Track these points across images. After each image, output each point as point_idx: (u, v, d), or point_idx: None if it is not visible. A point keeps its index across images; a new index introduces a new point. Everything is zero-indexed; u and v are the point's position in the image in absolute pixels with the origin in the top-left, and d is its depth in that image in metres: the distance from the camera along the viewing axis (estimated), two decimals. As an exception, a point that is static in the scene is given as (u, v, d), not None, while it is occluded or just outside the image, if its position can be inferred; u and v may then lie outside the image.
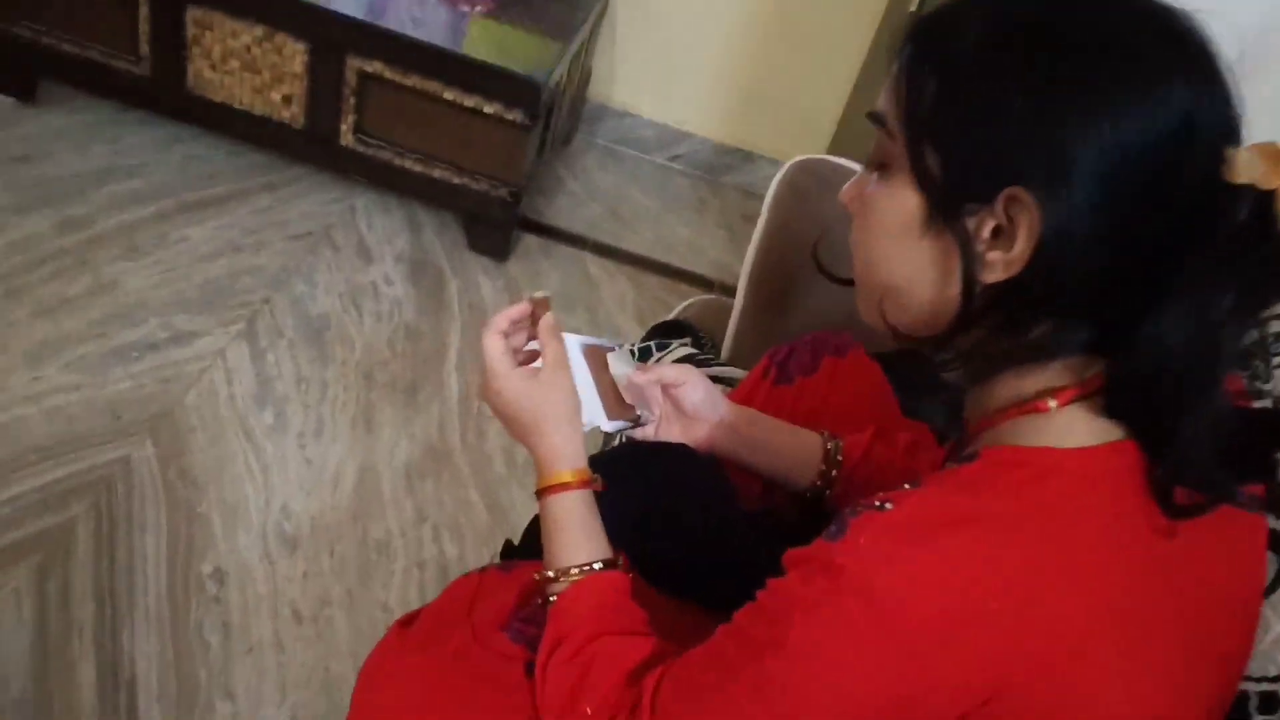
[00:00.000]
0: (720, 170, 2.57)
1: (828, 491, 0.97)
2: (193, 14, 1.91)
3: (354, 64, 1.91)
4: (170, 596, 1.40)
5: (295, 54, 1.92)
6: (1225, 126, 0.58)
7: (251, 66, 1.96)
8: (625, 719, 0.69)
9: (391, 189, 2.14)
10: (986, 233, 0.60)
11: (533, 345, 0.90)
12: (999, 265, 0.60)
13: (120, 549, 1.44)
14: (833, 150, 2.40)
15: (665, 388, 0.99)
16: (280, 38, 1.91)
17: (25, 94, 2.13)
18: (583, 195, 2.39)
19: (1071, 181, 0.57)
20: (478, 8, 2.02)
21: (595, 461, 0.94)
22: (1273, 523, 0.77)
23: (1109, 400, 0.61)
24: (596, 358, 1.01)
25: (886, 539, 0.58)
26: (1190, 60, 0.58)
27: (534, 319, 0.89)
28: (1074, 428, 0.61)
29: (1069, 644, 0.57)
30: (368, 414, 1.73)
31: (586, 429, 0.93)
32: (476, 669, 0.78)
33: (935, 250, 0.62)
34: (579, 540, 0.80)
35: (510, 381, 0.84)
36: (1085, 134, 0.56)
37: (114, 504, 1.48)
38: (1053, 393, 0.62)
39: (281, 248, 1.99)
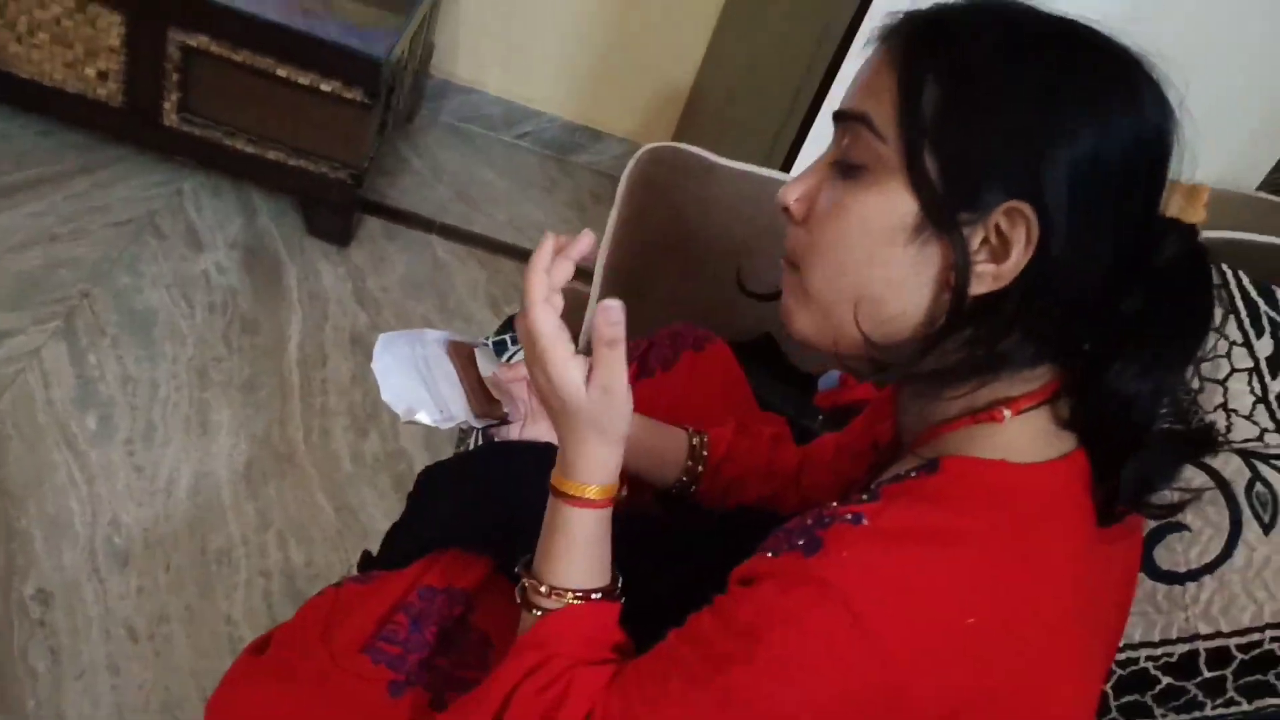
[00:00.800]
0: (569, 149, 2.54)
1: (693, 487, 0.97)
2: (-10, -19, 1.75)
3: (177, 37, 1.78)
4: (-12, 622, 1.30)
5: (111, 25, 1.78)
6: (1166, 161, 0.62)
7: (63, 39, 1.80)
8: None
9: (222, 171, 2.02)
10: (977, 242, 0.60)
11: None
12: (988, 278, 0.60)
13: (-74, 574, 1.32)
14: (680, 129, 2.41)
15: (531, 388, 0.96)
16: (94, 8, 1.77)
17: None
18: (428, 176, 2.32)
19: (1072, 199, 0.58)
20: (311, -20, 1.92)
21: (459, 460, 0.91)
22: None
23: (1069, 417, 0.63)
24: (462, 353, 0.97)
25: (867, 552, 0.57)
26: (1159, 92, 0.61)
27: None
28: (1026, 439, 0.63)
29: (1035, 654, 0.59)
30: (203, 414, 1.63)
31: (453, 424, 0.90)
32: (335, 695, 0.74)
33: (920, 258, 0.61)
34: (587, 563, 0.73)
35: (570, 373, 0.69)
36: (1086, 155, 0.58)
37: (-83, 525, 1.36)
38: (1007, 403, 0.63)
39: (102, 236, 1.85)
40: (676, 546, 0.90)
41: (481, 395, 0.95)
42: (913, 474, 0.63)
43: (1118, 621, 0.79)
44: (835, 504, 0.61)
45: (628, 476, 1.00)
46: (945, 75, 0.60)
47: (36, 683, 1.26)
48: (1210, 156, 1.34)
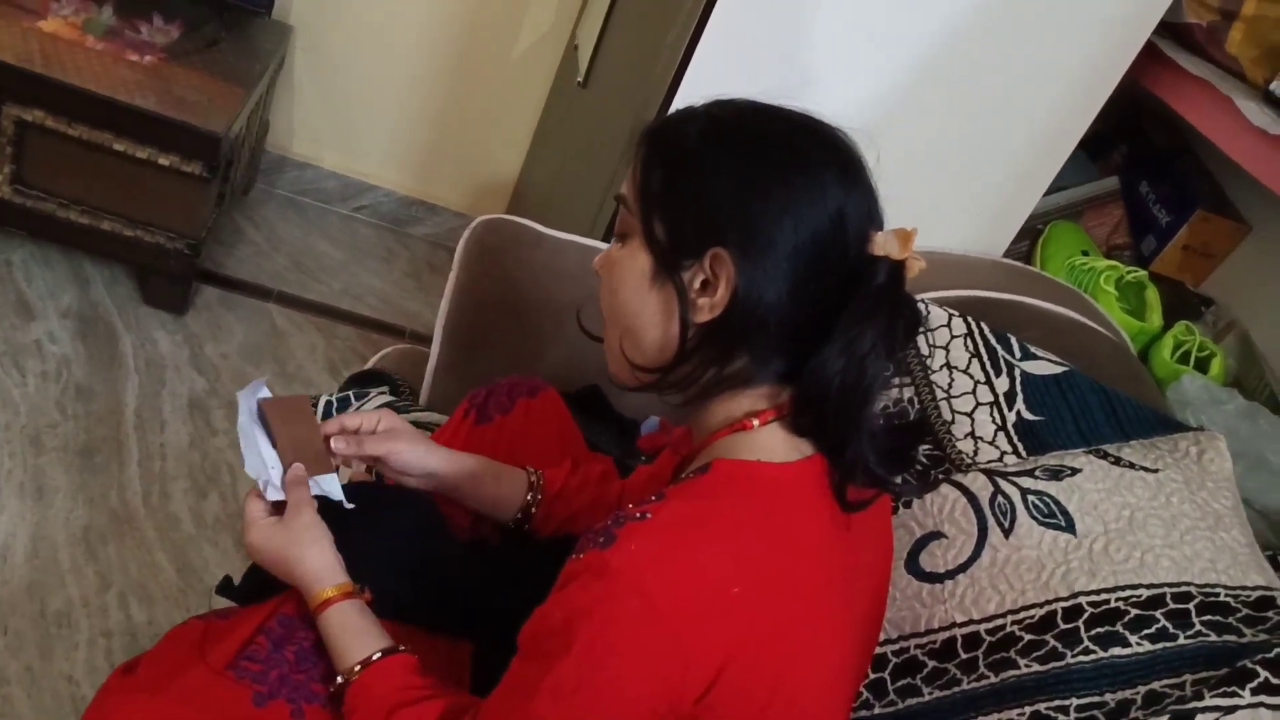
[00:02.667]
0: (406, 221, 2.64)
1: (529, 523, 1.08)
2: None
3: (11, 112, 1.80)
4: None
5: (-59, 99, 1.79)
6: (868, 213, 0.79)
7: (-115, 111, 1.80)
8: None
9: (55, 242, 2.02)
10: (697, 284, 0.78)
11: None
12: (705, 309, 0.78)
13: None
14: (512, 205, 2.55)
15: (376, 457, 1.04)
16: (-79, 82, 1.77)
17: None
18: (265, 246, 2.37)
19: (760, 246, 0.75)
20: (148, 56, 1.98)
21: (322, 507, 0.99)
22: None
23: (796, 421, 0.79)
24: (289, 413, 1.01)
25: (652, 542, 0.70)
26: (842, 165, 0.79)
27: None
28: (775, 443, 0.79)
29: (788, 617, 0.73)
30: (38, 480, 1.63)
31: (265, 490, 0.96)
32: (207, 705, 0.81)
33: (661, 298, 0.80)
34: (353, 642, 0.87)
35: (258, 530, 0.93)
36: (769, 212, 0.76)
37: None
38: (756, 414, 0.79)
39: (-75, 306, 1.83)
40: (517, 568, 1.02)
41: (311, 452, 0.99)
42: (690, 475, 0.79)
43: (873, 604, 0.95)
44: (631, 505, 0.75)
45: (470, 514, 1.11)
46: (665, 161, 0.80)
47: None
48: (963, 225, 1.58)
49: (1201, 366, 1.40)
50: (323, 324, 2.21)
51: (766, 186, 0.76)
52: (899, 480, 0.83)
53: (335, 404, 1.37)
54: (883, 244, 0.76)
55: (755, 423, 0.79)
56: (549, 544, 1.08)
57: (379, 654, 0.86)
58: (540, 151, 2.44)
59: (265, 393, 1.01)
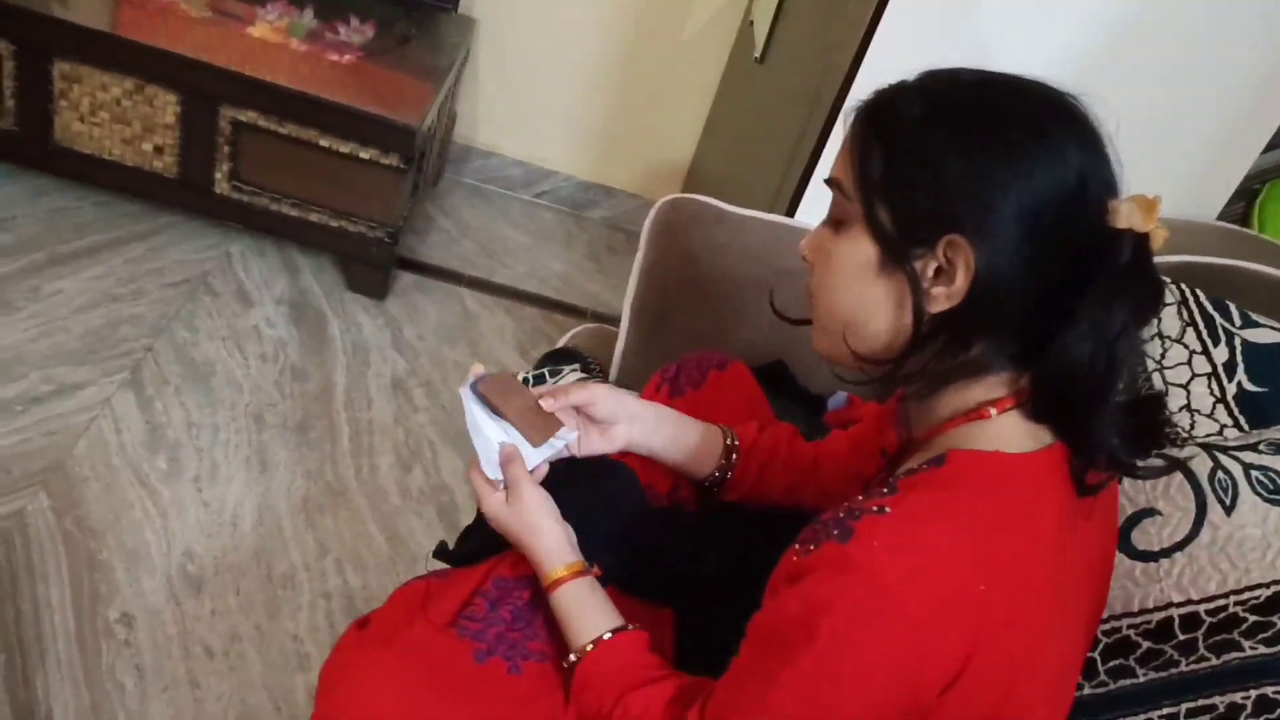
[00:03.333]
0: (584, 205, 2.70)
1: (729, 475, 1.09)
2: (60, 68, 1.92)
3: (228, 113, 1.95)
4: (80, 643, 1.42)
5: (167, 105, 1.95)
6: (1108, 183, 0.75)
7: (122, 118, 1.97)
8: None
9: (267, 234, 2.18)
10: (930, 272, 0.75)
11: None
12: (941, 298, 0.75)
13: (24, 600, 1.44)
14: (687, 185, 2.57)
15: (577, 409, 1.08)
16: (151, 89, 1.94)
17: (-127, 149, 2.08)
18: (455, 233, 2.48)
19: (997, 228, 0.72)
20: (347, 56, 2.09)
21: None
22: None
23: (1035, 406, 0.76)
24: (504, 389, 1.04)
25: (894, 536, 0.70)
26: (1080, 132, 0.74)
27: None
28: (1014, 432, 0.76)
29: (1026, 615, 0.72)
30: (261, 454, 1.77)
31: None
32: (432, 658, 0.87)
33: (888, 288, 0.77)
34: (584, 621, 0.90)
35: (492, 507, 0.97)
36: (1006, 190, 0.72)
37: (13, 557, 1.49)
38: (992, 403, 0.76)
39: (159, 295, 2.00)
40: (716, 534, 1.04)
41: (536, 421, 1.02)
42: (924, 467, 0.75)
43: (1096, 592, 0.92)
44: (861, 498, 0.74)
45: (669, 481, 1.13)
46: (884, 142, 0.76)
47: (125, 696, 1.38)
48: (1171, 186, 1.49)
49: None
50: (510, 306, 2.29)
51: (1002, 164, 0.72)
52: (1141, 464, 0.79)
53: (531, 380, 1.43)
54: (1126, 215, 0.71)
55: (993, 411, 0.76)
56: (749, 513, 1.10)
57: (609, 633, 0.88)
58: (715, 131, 2.45)
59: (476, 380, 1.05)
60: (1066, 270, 0.73)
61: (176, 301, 2.00)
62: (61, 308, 1.90)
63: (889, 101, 0.77)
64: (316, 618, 1.55)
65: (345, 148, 1.97)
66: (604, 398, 1.06)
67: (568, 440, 1.04)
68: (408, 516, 1.74)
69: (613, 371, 1.45)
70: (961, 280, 0.73)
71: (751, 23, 2.19)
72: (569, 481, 1.05)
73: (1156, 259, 0.92)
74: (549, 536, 0.94)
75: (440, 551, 1.07)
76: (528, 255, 2.49)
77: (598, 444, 1.07)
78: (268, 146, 1.99)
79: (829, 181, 0.81)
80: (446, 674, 0.87)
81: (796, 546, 0.75)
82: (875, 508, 0.72)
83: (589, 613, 0.90)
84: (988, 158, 0.72)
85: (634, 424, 1.08)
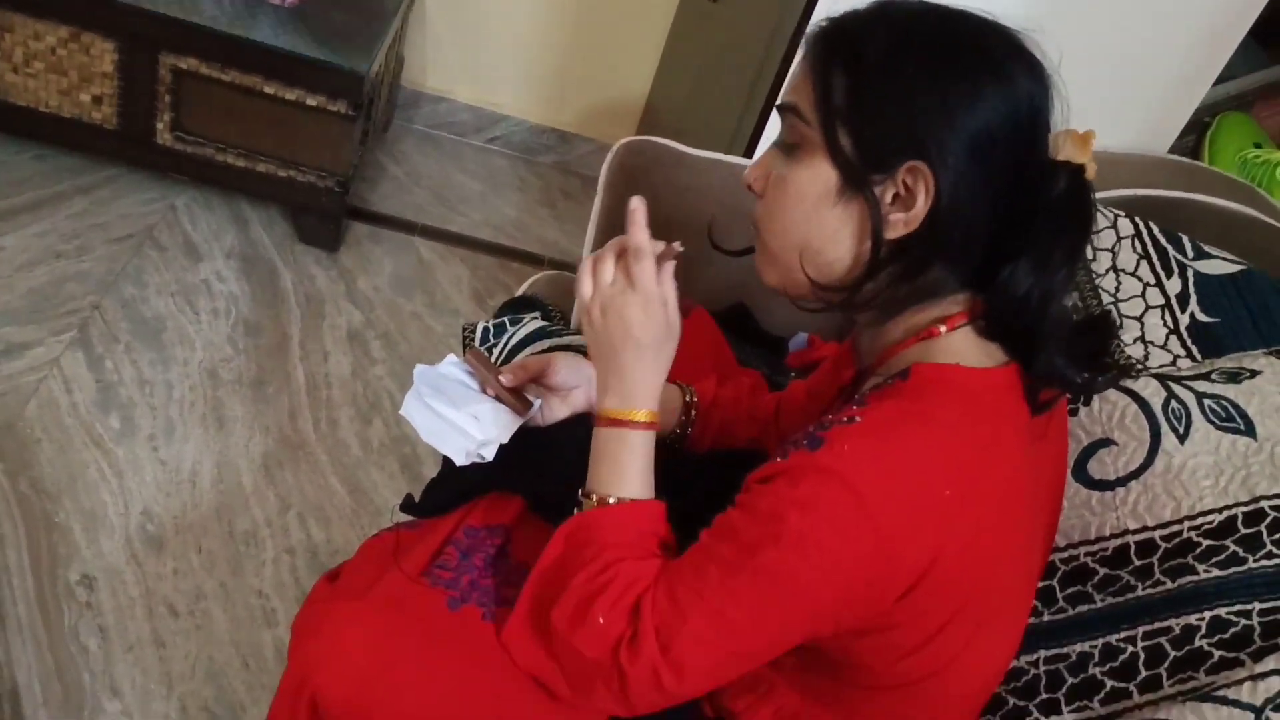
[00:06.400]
0: (538, 150, 2.66)
1: (689, 431, 1.10)
2: (-12, 15, 1.85)
3: (168, 60, 1.89)
4: (41, 606, 1.40)
5: (104, 53, 1.89)
6: (1048, 120, 0.77)
7: (58, 68, 1.90)
8: (628, 631, 0.76)
9: (214, 186, 2.12)
10: (889, 198, 0.76)
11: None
12: (900, 224, 0.76)
13: (-21, 566, 1.42)
14: (641, 129, 2.54)
15: (536, 380, 1.07)
16: (88, 37, 1.87)
17: None
18: (406, 181, 2.43)
19: (956, 155, 0.73)
20: (289, 0, 2.03)
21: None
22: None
23: (987, 326, 0.78)
24: (480, 368, 1.04)
25: (864, 441, 0.72)
26: (1031, 66, 0.76)
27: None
28: (968, 347, 0.78)
29: (990, 522, 0.74)
30: (217, 411, 1.74)
31: (489, 453, 0.98)
32: (406, 608, 0.87)
33: (846, 214, 0.78)
34: (632, 477, 0.85)
35: (652, 304, 0.85)
36: (967, 119, 0.73)
37: (-35, 522, 1.46)
38: (943, 320, 0.79)
39: (104, 251, 1.95)
40: (680, 476, 1.04)
41: (511, 396, 1.04)
42: (890, 382, 0.78)
43: (1052, 513, 0.95)
44: (829, 417, 0.75)
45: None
46: (849, 69, 0.76)
47: (89, 658, 1.37)
48: (1125, 121, 1.51)
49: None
50: (465, 255, 2.26)
51: (963, 94, 0.73)
52: (1085, 379, 0.81)
53: (491, 330, 1.41)
54: (1061, 146, 0.73)
55: (943, 329, 0.78)
56: (709, 456, 1.10)
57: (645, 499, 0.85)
58: (670, 72, 2.41)
59: (450, 362, 1.05)
60: (1015, 199, 0.75)
61: (122, 257, 1.95)
62: (3, 265, 1.84)
63: (853, 29, 0.78)
64: (281, 573, 1.54)
65: (291, 94, 1.92)
66: (559, 366, 1.06)
67: (535, 410, 1.05)
68: (369, 469, 1.73)
69: (574, 318, 1.45)
70: (921, 206, 0.75)
71: (704, -40, 2.15)
72: (544, 431, 1.05)
73: (1111, 192, 0.92)
74: (661, 373, 0.87)
75: (407, 504, 1.06)
76: (481, 202, 2.46)
77: (559, 410, 1.08)
78: (210, 94, 1.93)
79: (782, 107, 0.81)
80: (420, 623, 0.87)
81: (768, 461, 0.77)
82: (845, 418, 0.74)
83: (639, 471, 0.85)
84: (951, 87, 0.74)
85: (592, 386, 1.08)
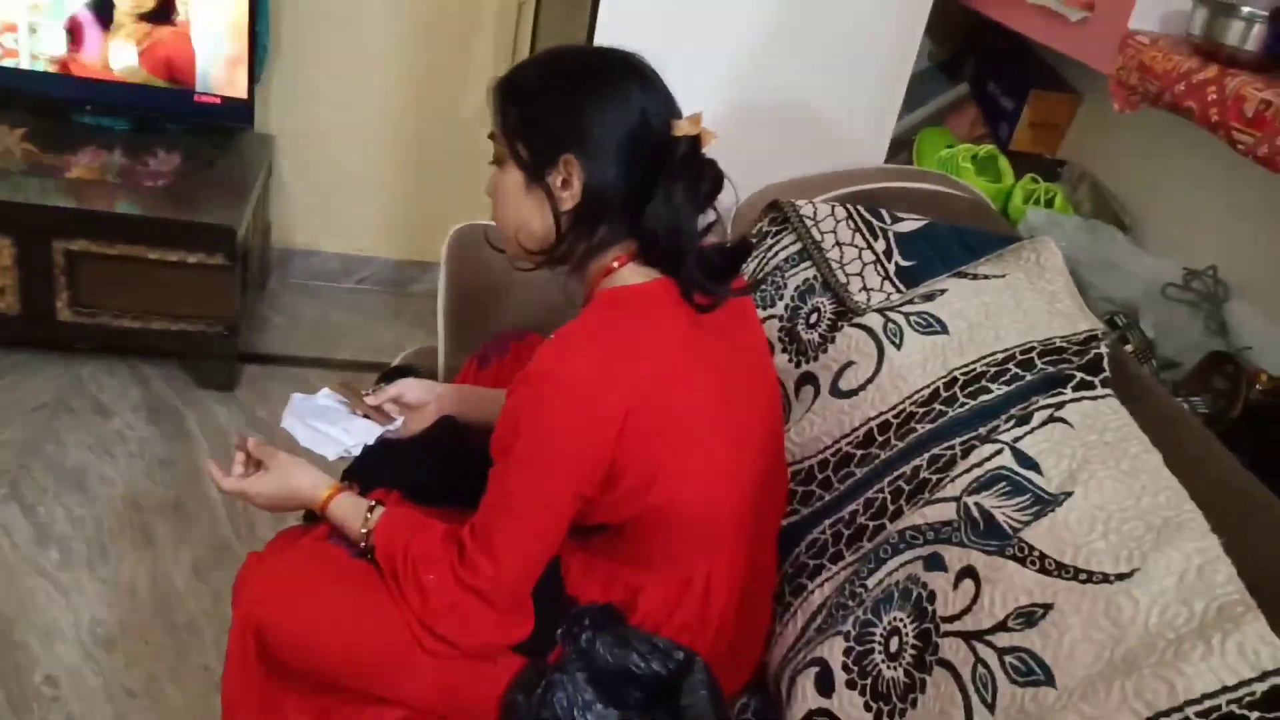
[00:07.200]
0: (404, 282, 2.99)
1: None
2: (-108, 233, 2.10)
3: (60, 245, 2.17)
4: (11, 704, 1.58)
5: (2, 248, 2.15)
6: (667, 108, 1.11)
7: (-41, 269, 2.16)
8: (457, 558, 1.06)
9: (115, 351, 2.37)
10: (558, 183, 1.09)
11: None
12: (568, 200, 1.09)
13: (-50, 684, 1.60)
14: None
15: (395, 400, 1.39)
16: (-15, 236, 2.14)
17: None
18: (289, 327, 2.72)
19: (593, 147, 1.07)
20: (161, 181, 2.35)
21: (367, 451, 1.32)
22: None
23: (645, 257, 1.11)
24: (349, 396, 1.38)
25: (555, 347, 1.03)
26: (641, 79, 1.11)
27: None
28: (632, 274, 1.11)
29: (664, 375, 1.05)
30: (145, 532, 1.96)
31: (365, 444, 1.31)
32: (320, 555, 1.14)
33: (535, 200, 1.11)
34: (353, 519, 1.16)
35: (250, 486, 1.23)
36: (595, 121, 1.07)
37: (-69, 652, 1.64)
38: (615, 259, 1.11)
39: (23, 422, 2.17)
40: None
41: (377, 415, 1.37)
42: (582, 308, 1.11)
43: (757, 383, 1.27)
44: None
45: (470, 428, 1.42)
46: (516, 100, 1.10)
47: (62, 742, 1.55)
48: (842, 150, 1.90)
49: (1049, 207, 1.71)
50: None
51: (588, 102, 1.07)
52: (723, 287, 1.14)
53: (372, 391, 1.69)
54: (680, 126, 1.08)
55: (615, 264, 1.11)
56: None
57: (368, 510, 1.16)
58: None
59: (325, 394, 1.38)
60: (646, 168, 1.08)
61: (40, 424, 2.18)
62: (-69, 447, 2.05)
63: (519, 73, 1.13)
64: (222, 648, 1.72)
65: (174, 256, 2.21)
66: (412, 386, 1.41)
67: (396, 424, 1.37)
68: (290, 554, 1.95)
69: (440, 373, 1.74)
70: (577, 185, 1.08)
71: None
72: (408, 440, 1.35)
73: (834, 192, 1.27)
74: (306, 477, 1.22)
75: (308, 517, 1.33)
76: (360, 333, 2.76)
77: (416, 422, 1.40)
78: (102, 269, 2.21)
79: (491, 136, 1.15)
80: (331, 564, 1.13)
81: None
82: (545, 340, 1.05)
83: (356, 510, 1.16)
84: (582, 101, 1.08)
85: (442, 401, 1.41)
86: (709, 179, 1.12)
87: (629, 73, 1.10)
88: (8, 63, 2.37)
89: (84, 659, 1.68)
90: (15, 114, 2.47)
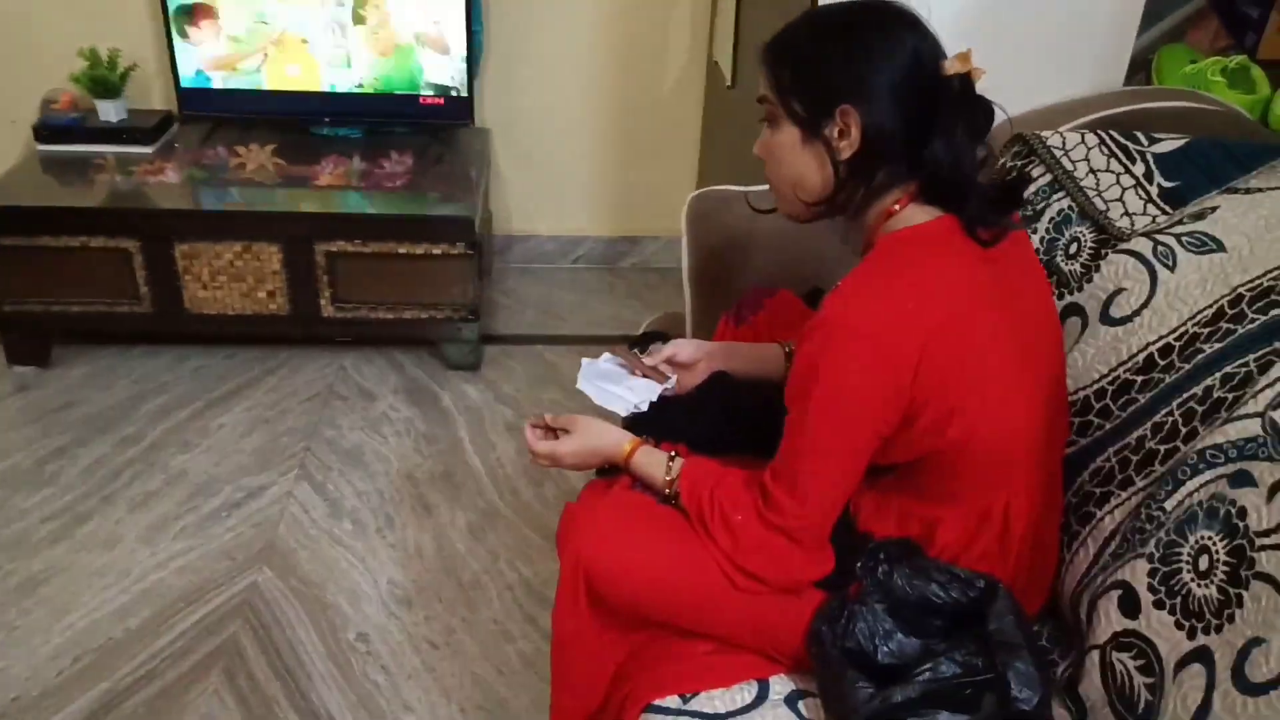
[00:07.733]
0: (615, 258, 3.10)
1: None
2: (179, 249, 2.35)
3: (321, 248, 2.36)
4: (334, 660, 1.76)
5: (271, 255, 2.37)
6: (935, 50, 1.13)
7: (237, 276, 2.39)
8: (761, 501, 1.13)
9: (371, 343, 2.57)
10: (835, 134, 1.13)
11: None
12: (846, 149, 1.13)
13: (280, 641, 1.79)
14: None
15: (668, 360, 1.46)
16: (257, 246, 2.36)
17: (41, 360, 2.50)
18: (517, 308, 2.87)
19: (870, 94, 1.10)
20: (399, 181, 2.52)
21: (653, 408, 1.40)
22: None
23: (926, 196, 1.13)
24: (628, 358, 1.48)
25: (844, 294, 1.08)
26: (908, 23, 1.13)
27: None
28: (915, 214, 1.13)
29: (955, 313, 1.08)
30: (423, 501, 2.12)
31: (650, 400, 1.40)
32: (632, 502, 1.23)
33: (813, 153, 1.15)
34: (655, 468, 1.24)
35: (558, 448, 1.31)
36: (870, 68, 1.10)
37: (260, 614, 1.84)
38: (896, 202, 1.14)
39: (300, 410, 2.39)
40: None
41: (653, 374, 1.46)
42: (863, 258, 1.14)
43: (1041, 323, 1.26)
44: None
45: (749, 380, 1.48)
46: (789, 60, 1.14)
47: (380, 689, 1.71)
48: (1079, 73, 1.85)
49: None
50: (579, 348, 2.65)
51: (862, 53, 1.10)
52: (1005, 220, 1.16)
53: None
54: (950, 65, 1.10)
55: (897, 206, 1.14)
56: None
57: (669, 460, 1.23)
58: (710, 159, 2.84)
59: (606, 358, 1.48)
60: (922, 110, 1.10)
61: (315, 411, 2.39)
62: (229, 436, 2.29)
63: (786, 34, 1.17)
64: (507, 604, 1.88)
65: (420, 249, 2.37)
66: (684, 346, 1.47)
67: (671, 382, 1.45)
68: (552, 517, 2.08)
69: (689, 334, 1.81)
70: (855, 134, 1.11)
71: (716, 62, 2.60)
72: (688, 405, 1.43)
73: (1077, 121, 1.27)
74: (609, 434, 1.29)
75: (602, 472, 1.42)
76: (581, 309, 2.88)
77: (688, 379, 1.46)
78: (358, 267, 2.39)
79: (759, 99, 1.19)
80: (644, 509, 1.21)
81: None
82: (836, 290, 1.09)
83: (659, 462, 1.24)
84: (856, 52, 1.11)
85: (712, 359, 1.47)
86: (982, 113, 1.13)
87: (897, 18, 1.13)
88: (255, 85, 2.60)
89: (387, 616, 1.85)
90: (262, 132, 2.71)
